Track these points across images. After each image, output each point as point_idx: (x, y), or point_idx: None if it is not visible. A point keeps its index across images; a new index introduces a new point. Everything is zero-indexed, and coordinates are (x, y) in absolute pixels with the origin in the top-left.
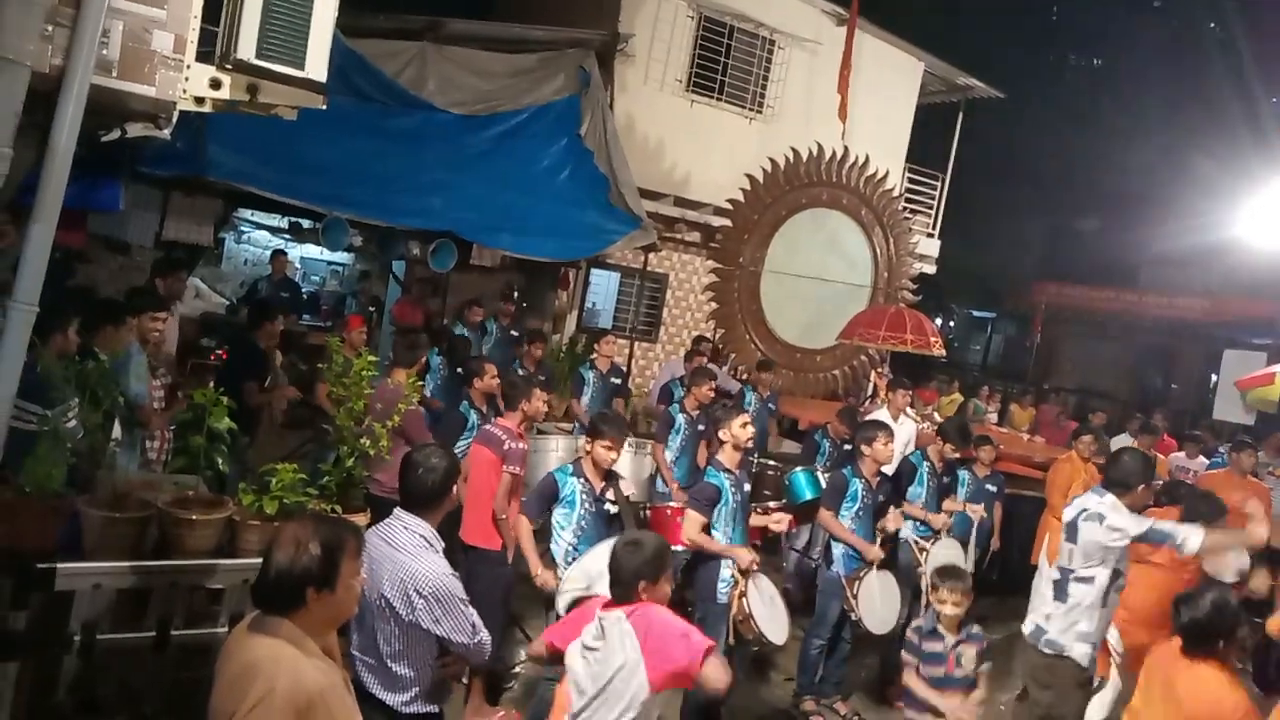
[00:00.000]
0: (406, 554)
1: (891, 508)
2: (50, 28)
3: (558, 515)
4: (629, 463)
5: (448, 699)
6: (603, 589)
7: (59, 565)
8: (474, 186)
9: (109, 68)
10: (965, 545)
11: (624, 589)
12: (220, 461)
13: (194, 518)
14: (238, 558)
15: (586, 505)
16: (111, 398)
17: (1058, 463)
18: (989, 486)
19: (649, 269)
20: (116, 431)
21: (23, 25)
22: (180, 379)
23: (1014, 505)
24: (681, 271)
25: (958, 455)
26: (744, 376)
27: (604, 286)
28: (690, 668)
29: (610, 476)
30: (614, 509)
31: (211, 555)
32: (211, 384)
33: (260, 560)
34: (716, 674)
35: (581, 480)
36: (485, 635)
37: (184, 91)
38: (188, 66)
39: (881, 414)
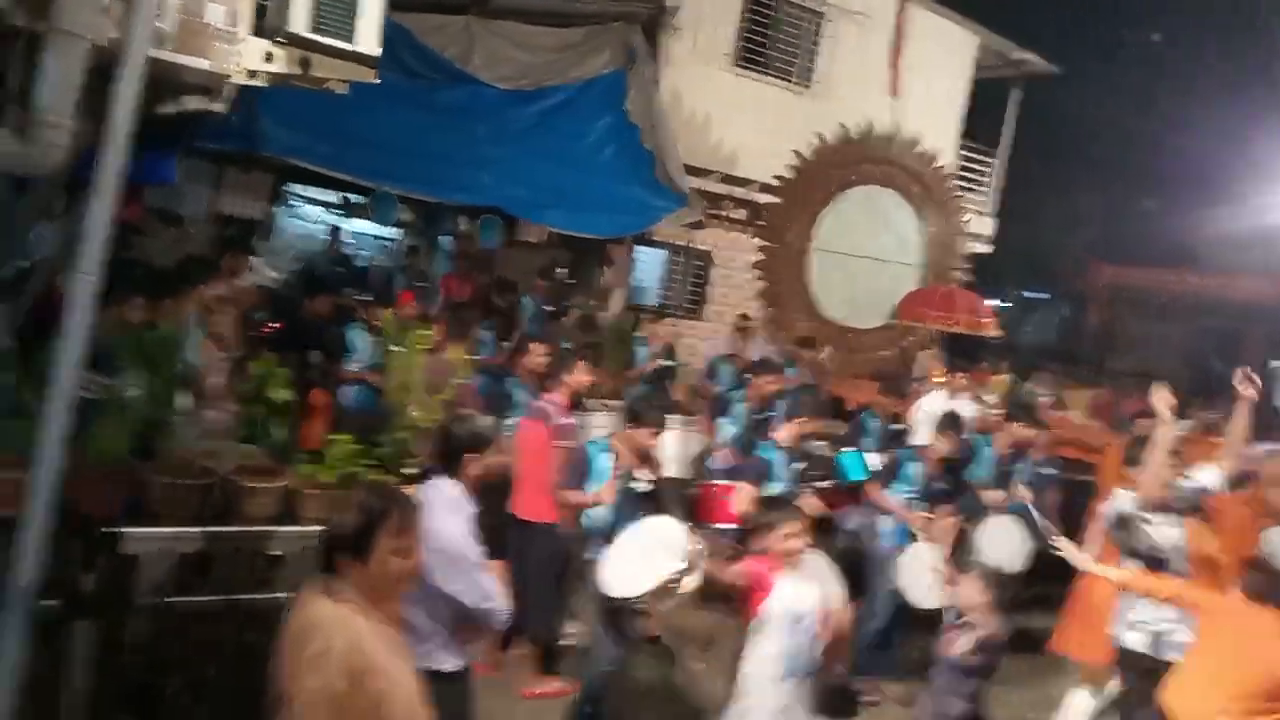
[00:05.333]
0: (428, 511)
1: (946, 505)
2: (108, 1)
3: (588, 489)
4: (675, 442)
5: (469, 659)
6: (653, 561)
7: (125, 530)
8: (520, 162)
9: (165, 41)
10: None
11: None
12: (279, 430)
13: (254, 485)
14: (296, 525)
15: (617, 482)
16: (172, 367)
17: (1110, 447)
18: (1045, 471)
19: (695, 246)
20: (180, 401)
21: None
22: (237, 350)
23: (1071, 491)
24: (728, 249)
25: (1029, 434)
26: (788, 353)
27: (650, 263)
28: None
29: (645, 456)
30: (646, 487)
31: (271, 522)
32: (272, 355)
33: (319, 527)
34: None
35: (611, 455)
36: (499, 603)
37: (238, 65)
38: (241, 40)
39: (938, 395)
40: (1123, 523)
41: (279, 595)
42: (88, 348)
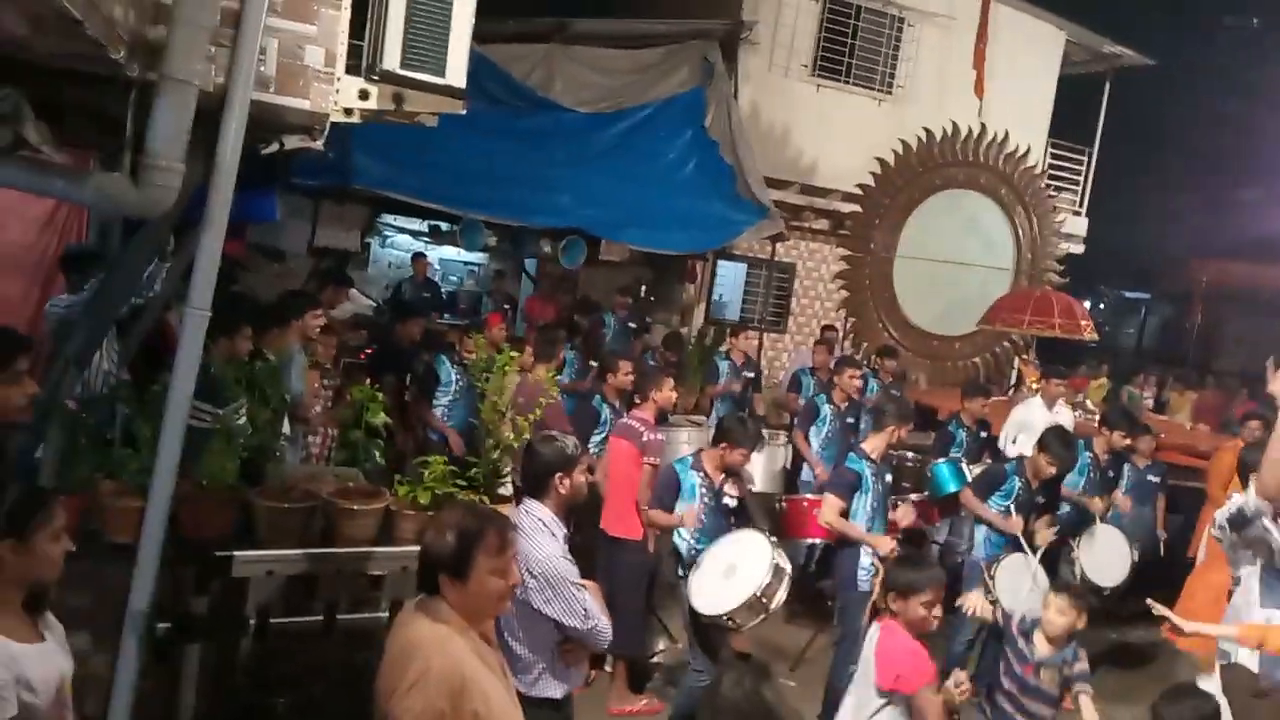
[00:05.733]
0: (522, 535)
1: (1046, 516)
2: (213, 49)
3: (676, 509)
4: (762, 454)
5: (575, 685)
6: (742, 577)
7: (235, 554)
8: (601, 183)
9: (267, 84)
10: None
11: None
12: (377, 454)
13: (355, 508)
14: (395, 545)
15: (706, 500)
16: (278, 396)
17: (1220, 451)
18: (1150, 477)
19: (776, 259)
20: (284, 428)
21: (190, 48)
22: (338, 379)
23: (1177, 498)
24: (809, 260)
25: (1126, 443)
26: (872, 365)
27: (731, 278)
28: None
29: (730, 471)
30: (733, 503)
31: (371, 543)
32: (367, 381)
33: (416, 548)
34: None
35: (700, 474)
36: (600, 622)
37: (335, 103)
38: (338, 79)
39: (1035, 403)
40: (1237, 524)
41: (380, 615)
42: (198, 379)
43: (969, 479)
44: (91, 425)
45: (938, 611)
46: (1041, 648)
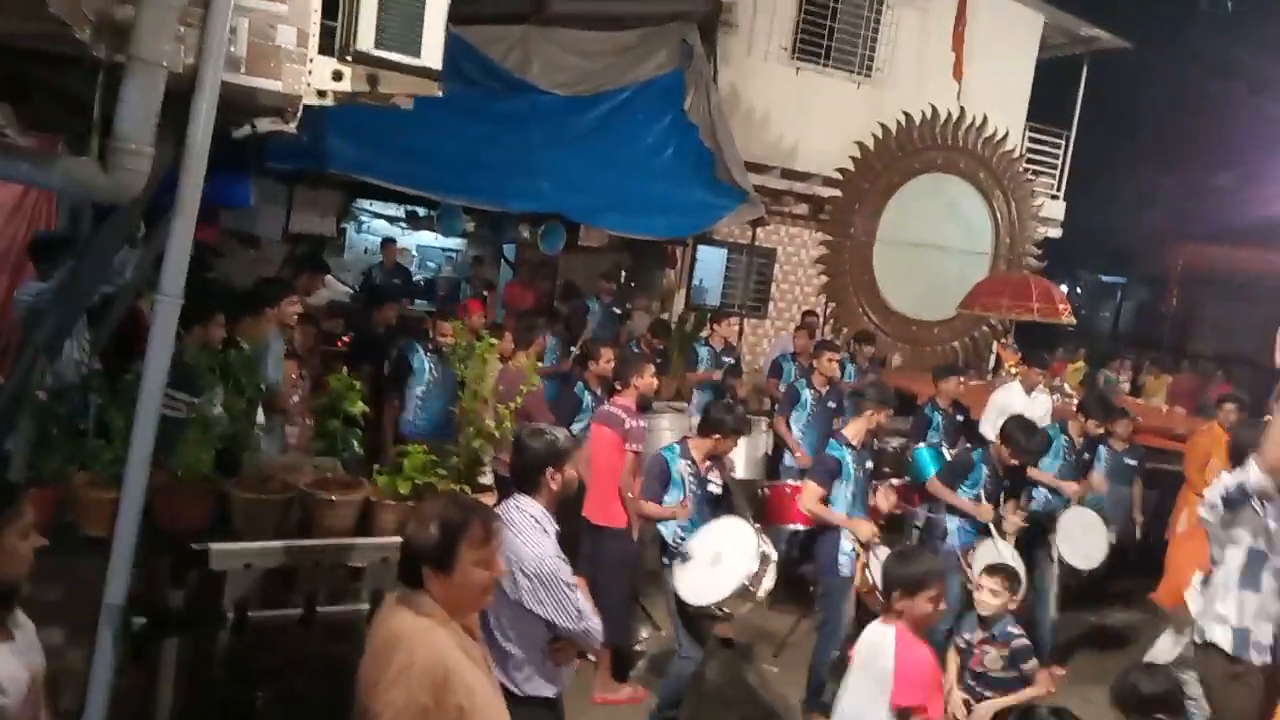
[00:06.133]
0: (516, 534)
1: (1011, 502)
2: (182, 29)
3: (665, 499)
4: (743, 441)
5: (565, 685)
6: (729, 566)
7: (212, 546)
8: (580, 167)
9: (237, 65)
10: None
11: (884, 597)
12: (355, 444)
13: (333, 498)
14: (375, 536)
15: (692, 487)
16: (254, 385)
17: (1196, 434)
18: (1128, 460)
19: (756, 244)
20: (260, 417)
21: (158, 28)
22: (315, 366)
23: (1153, 480)
24: (790, 245)
25: (1100, 430)
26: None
27: (711, 263)
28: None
29: (714, 457)
30: (718, 490)
31: (350, 534)
32: (344, 369)
33: (396, 538)
34: None
35: (687, 461)
36: (592, 622)
37: (308, 85)
38: (310, 60)
39: (1014, 388)
40: (1232, 502)
41: (361, 606)
42: (171, 368)
43: (949, 461)
44: (63, 415)
45: (943, 605)
46: (979, 631)
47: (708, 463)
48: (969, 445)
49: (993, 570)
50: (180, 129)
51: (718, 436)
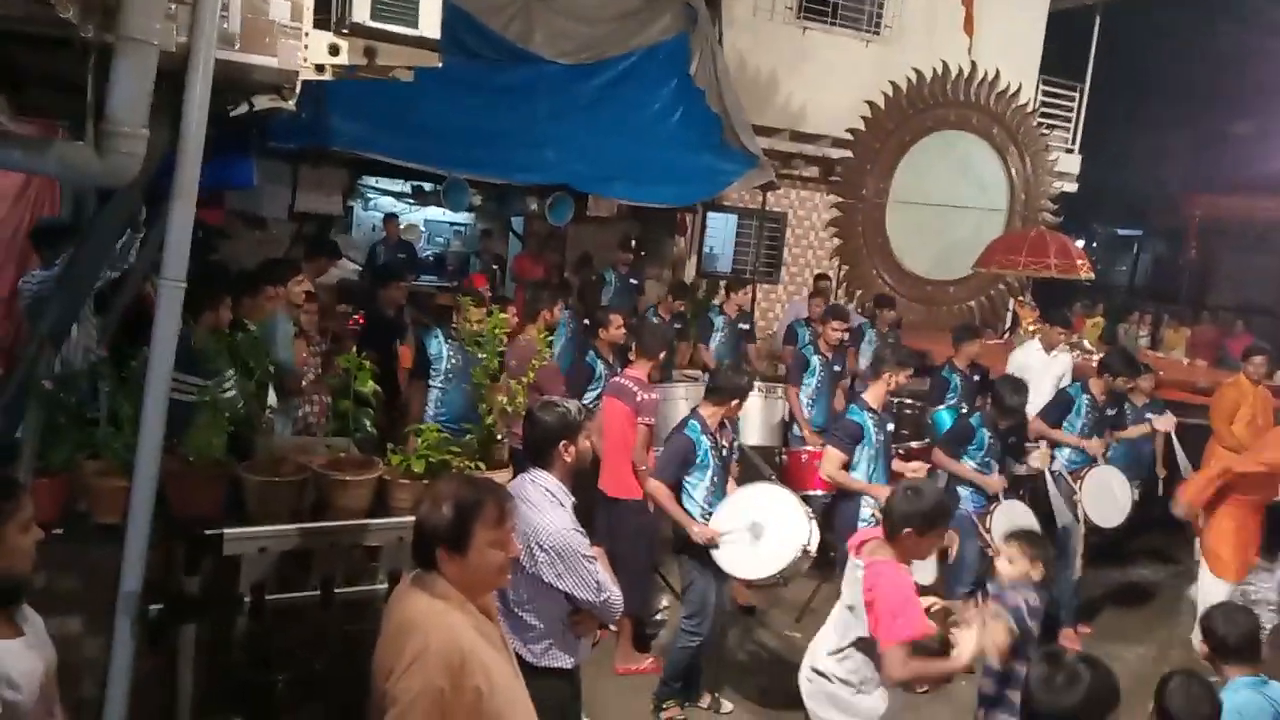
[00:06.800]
0: (532, 507)
1: (1041, 444)
2: (173, 6)
3: (690, 478)
4: (759, 408)
5: (584, 656)
6: (778, 532)
7: (226, 531)
8: (586, 136)
9: (231, 41)
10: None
11: (891, 528)
12: (368, 423)
13: (347, 479)
14: (390, 516)
15: (715, 461)
16: (263, 366)
17: (1223, 387)
18: (1150, 415)
19: (767, 208)
20: (272, 399)
21: (147, 5)
22: (326, 346)
23: (1177, 434)
24: (801, 209)
25: (1128, 387)
26: (867, 313)
27: (721, 229)
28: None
29: (723, 423)
30: (731, 455)
31: (365, 515)
32: (354, 349)
33: (411, 518)
34: (892, 666)
35: (709, 436)
36: (613, 593)
37: (304, 60)
38: (306, 34)
39: (1033, 346)
40: None
41: (378, 586)
42: (179, 352)
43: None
44: (72, 404)
45: (950, 548)
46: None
47: (720, 431)
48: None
49: (1012, 537)
50: (176, 110)
51: (724, 401)
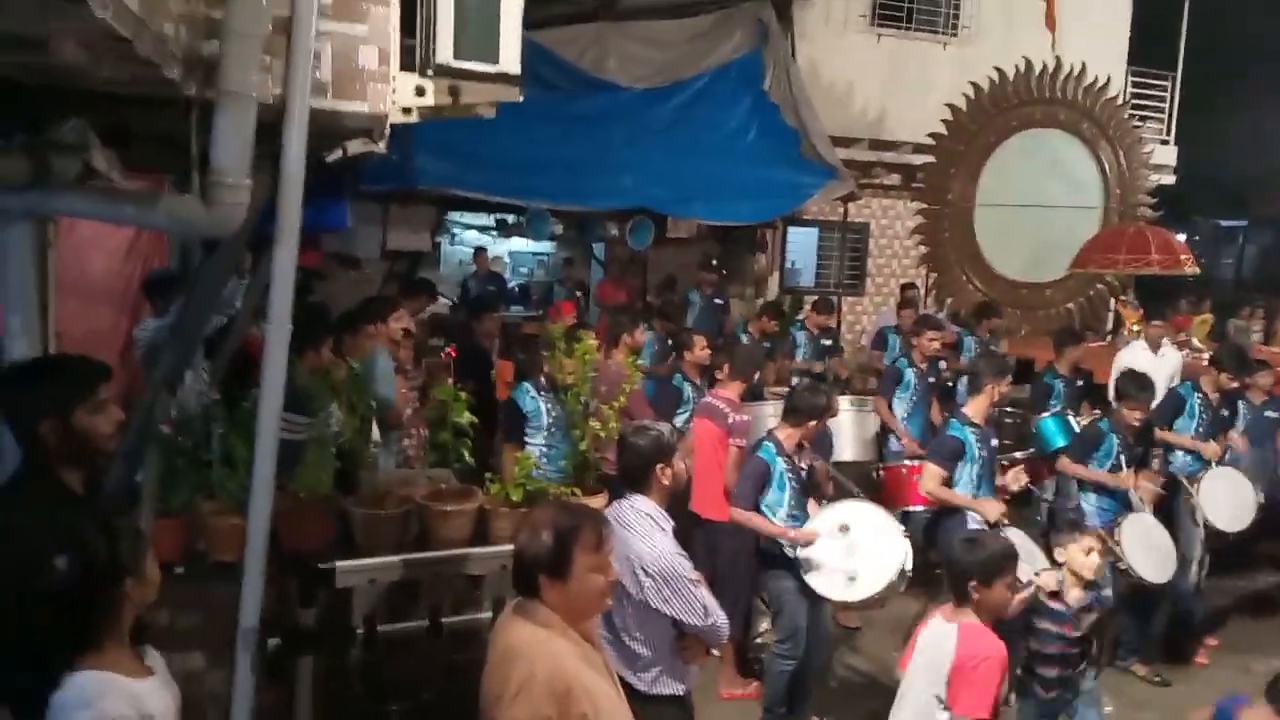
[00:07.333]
0: (634, 533)
1: (1145, 471)
2: (268, 58)
3: (767, 500)
4: (850, 423)
5: (693, 682)
6: (873, 552)
7: (338, 564)
8: (663, 159)
9: (324, 90)
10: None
11: (954, 585)
12: (466, 454)
13: (448, 509)
14: (491, 545)
15: (792, 484)
16: (365, 402)
17: None
18: (1269, 413)
19: (848, 220)
20: (375, 434)
21: (244, 59)
22: (422, 379)
23: None
24: (883, 218)
25: (1236, 384)
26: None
27: (802, 244)
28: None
29: (801, 444)
30: (806, 475)
31: (467, 544)
32: (449, 381)
33: (512, 546)
34: None
35: (784, 458)
36: (720, 618)
37: (393, 103)
38: (393, 78)
39: (1138, 346)
40: None
41: (484, 615)
42: (286, 392)
43: (1077, 430)
44: (188, 447)
45: (1017, 587)
46: (1075, 595)
47: (798, 450)
48: (1097, 411)
49: (1082, 531)
50: (275, 158)
51: (801, 422)
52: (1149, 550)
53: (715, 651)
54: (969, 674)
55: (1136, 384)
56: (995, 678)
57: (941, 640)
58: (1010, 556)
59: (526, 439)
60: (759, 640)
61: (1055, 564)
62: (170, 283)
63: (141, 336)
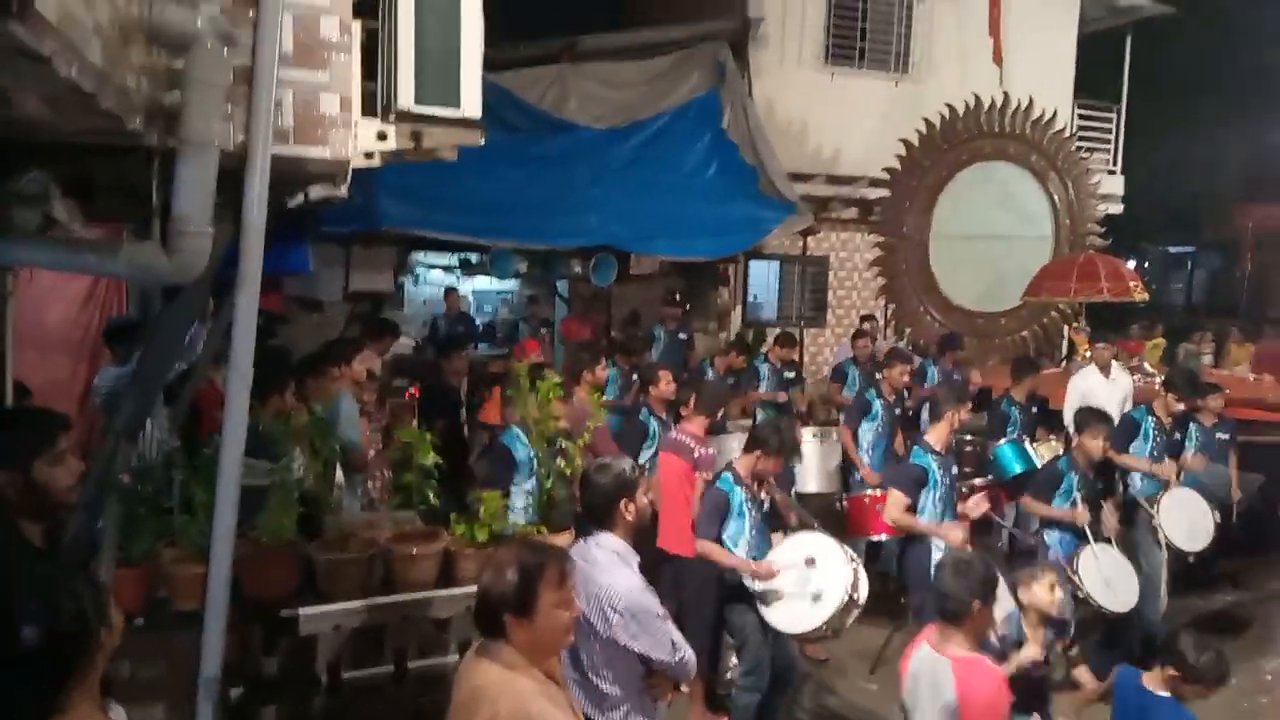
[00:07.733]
0: (599, 569)
1: (1109, 501)
2: (230, 107)
3: (729, 531)
4: (815, 453)
5: (661, 717)
6: (821, 582)
7: (301, 611)
8: (624, 197)
9: (285, 136)
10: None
11: (960, 608)
12: (431, 495)
13: (414, 552)
14: (457, 587)
15: (752, 514)
16: (329, 446)
17: None
18: (1220, 435)
19: (808, 253)
20: (340, 477)
21: (206, 110)
22: (385, 420)
23: (1251, 454)
24: (842, 251)
25: (1187, 407)
26: (927, 352)
27: (764, 277)
28: None
29: (759, 477)
30: (764, 507)
31: (433, 586)
32: (413, 422)
33: (476, 587)
34: None
35: (743, 488)
36: (687, 652)
37: (355, 148)
38: (355, 124)
39: (1089, 372)
40: None
41: (450, 658)
42: (248, 437)
43: (1033, 457)
44: (149, 495)
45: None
46: (1040, 635)
47: (757, 483)
48: (1052, 438)
49: (1047, 567)
50: (237, 205)
51: (759, 454)
52: (1109, 581)
53: (684, 688)
54: (977, 706)
55: (1095, 416)
56: (1002, 708)
57: (934, 673)
58: (993, 580)
59: (514, 485)
60: (728, 676)
61: (1019, 604)
62: (131, 330)
63: (102, 384)
